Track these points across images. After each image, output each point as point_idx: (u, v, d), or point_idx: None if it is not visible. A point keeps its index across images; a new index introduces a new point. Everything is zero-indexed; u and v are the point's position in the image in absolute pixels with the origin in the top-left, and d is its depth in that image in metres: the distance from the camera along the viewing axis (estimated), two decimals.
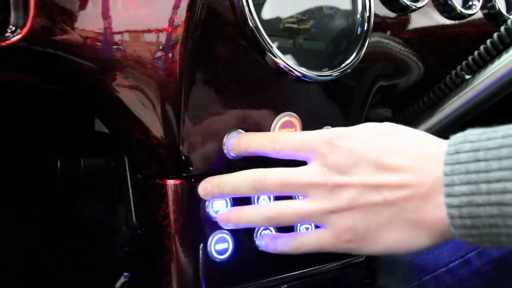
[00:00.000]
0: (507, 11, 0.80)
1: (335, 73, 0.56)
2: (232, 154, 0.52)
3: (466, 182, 0.39)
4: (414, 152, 0.44)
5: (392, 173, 0.44)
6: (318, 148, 0.47)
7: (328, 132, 0.48)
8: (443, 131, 0.69)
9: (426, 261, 0.60)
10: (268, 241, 0.52)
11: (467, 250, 0.57)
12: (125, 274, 0.58)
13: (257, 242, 0.53)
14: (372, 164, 0.44)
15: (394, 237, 0.44)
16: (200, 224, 0.51)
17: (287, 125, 0.55)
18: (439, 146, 0.43)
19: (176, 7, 0.47)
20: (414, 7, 0.66)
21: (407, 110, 0.75)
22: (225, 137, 0.52)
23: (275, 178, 0.48)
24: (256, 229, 0.54)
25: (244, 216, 0.50)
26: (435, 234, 0.43)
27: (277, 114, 0.55)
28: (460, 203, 0.39)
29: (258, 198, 0.54)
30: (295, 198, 0.52)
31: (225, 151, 0.52)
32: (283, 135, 0.53)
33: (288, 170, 0.48)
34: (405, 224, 0.43)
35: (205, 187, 0.51)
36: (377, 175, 0.44)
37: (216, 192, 0.50)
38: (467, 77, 0.69)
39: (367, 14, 0.59)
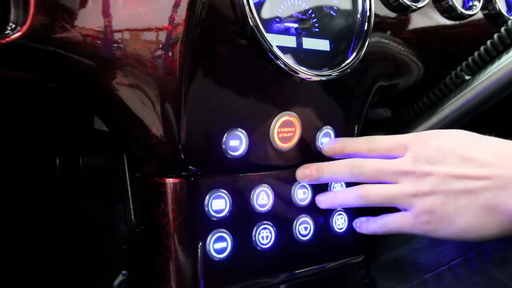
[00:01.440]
0: (508, 12, 0.80)
1: (334, 72, 0.56)
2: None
3: None
4: (496, 151, 0.51)
5: (475, 166, 0.50)
6: (412, 145, 0.54)
7: (422, 132, 0.56)
8: None
9: (427, 259, 0.60)
10: (361, 224, 0.59)
11: (468, 248, 0.57)
12: (123, 272, 0.58)
13: (354, 225, 0.60)
14: (458, 157, 0.51)
15: (468, 222, 0.50)
16: (199, 223, 0.51)
17: (286, 124, 0.55)
18: None
19: (176, 5, 0.47)
20: (414, 7, 0.66)
21: (407, 110, 0.75)
22: (225, 136, 0.52)
23: (371, 165, 0.54)
24: (255, 229, 0.54)
25: (339, 196, 0.58)
26: (507, 223, 0.49)
27: (276, 113, 0.55)
28: None
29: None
30: None
31: (225, 150, 0.52)
32: (377, 137, 0.58)
33: (383, 160, 0.55)
34: (480, 210, 0.49)
35: (304, 171, 0.57)
36: (461, 167, 0.51)
37: (314, 175, 0.56)
38: (467, 77, 0.69)
39: (368, 14, 0.59)
